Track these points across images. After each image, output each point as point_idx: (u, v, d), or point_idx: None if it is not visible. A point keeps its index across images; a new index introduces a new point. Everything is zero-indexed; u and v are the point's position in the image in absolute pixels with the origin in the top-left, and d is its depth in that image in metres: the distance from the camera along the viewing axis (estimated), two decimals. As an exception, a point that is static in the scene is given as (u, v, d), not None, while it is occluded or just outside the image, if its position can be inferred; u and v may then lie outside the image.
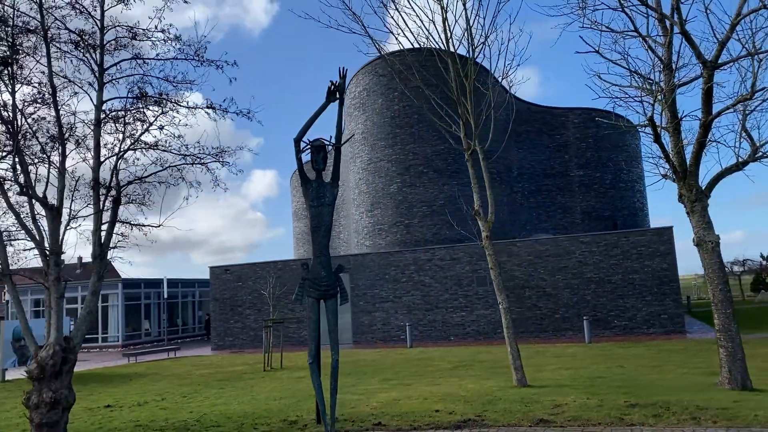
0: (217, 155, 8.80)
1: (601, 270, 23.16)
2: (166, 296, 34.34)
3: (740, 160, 10.53)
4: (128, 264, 37.68)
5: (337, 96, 7.33)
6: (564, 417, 7.84)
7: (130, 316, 34.26)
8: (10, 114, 7.94)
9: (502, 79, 13.35)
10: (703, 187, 10.15)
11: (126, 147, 8.54)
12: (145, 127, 8.41)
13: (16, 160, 7.87)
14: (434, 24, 11.96)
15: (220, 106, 8.88)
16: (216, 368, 19.99)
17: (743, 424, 6.86)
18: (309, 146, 7.26)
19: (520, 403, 8.97)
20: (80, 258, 63.65)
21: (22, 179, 7.90)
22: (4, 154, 8.51)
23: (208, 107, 8.84)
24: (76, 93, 8.48)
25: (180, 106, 8.77)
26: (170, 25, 8.66)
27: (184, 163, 8.76)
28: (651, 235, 22.98)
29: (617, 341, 20.70)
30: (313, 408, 10.08)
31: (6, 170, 8.02)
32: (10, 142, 8.04)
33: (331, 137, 7.32)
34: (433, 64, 13.14)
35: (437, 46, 12.18)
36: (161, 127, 8.43)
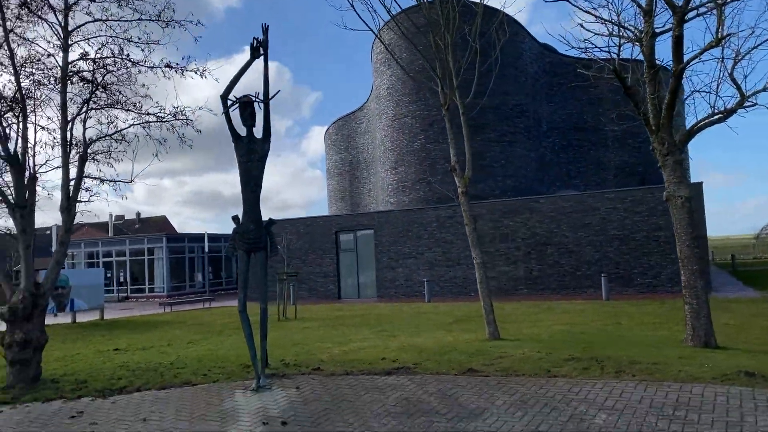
0: (175, 114, 9.13)
1: (626, 227, 22.53)
2: (207, 250, 35.87)
3: (726, 108, 10.01)
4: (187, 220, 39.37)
5: (261, 52, 7.45)
6: (495, 368, 7.97)
7: (175, 268, 36.03)
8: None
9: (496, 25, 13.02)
10: (678, 141, 9.74)
11: (88, 107, 8.98)
12: (102, 87, 8.80)
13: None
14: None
15: (178, 64, 9.16)
16: (237, 317, 20.98)
17: (661, 378, 6.80)
18: (236, 102, 7.47)
19: (466, 355, 9.14)
20: (138, 213, 67.03)
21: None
22: None
23: (166, 66, 9.14)
24: (41, 55, 8.93)
25: (139, 65, 9.11)
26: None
27: (145, 122, 9.14)
28: (679, 191, 22.05)
29: (637, 299, 20.29)
30: (286, 354, 10.59)
31: None
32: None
33: (257, 93, 7.49)
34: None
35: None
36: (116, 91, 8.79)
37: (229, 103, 7.44)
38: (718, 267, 36.61)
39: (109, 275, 35.41)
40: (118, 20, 9.30)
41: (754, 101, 9.91)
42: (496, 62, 13.05)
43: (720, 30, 8.67)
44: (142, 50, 9.35)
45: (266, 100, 7.44)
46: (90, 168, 9.27)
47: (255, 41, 7.38)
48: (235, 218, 7.67)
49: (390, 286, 26.66)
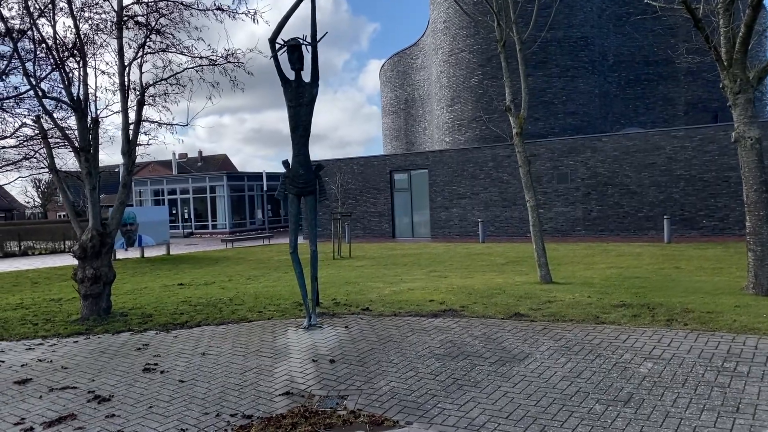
0: (226, 57, 9.18)
1: (693, 167, 21.51)
2: (266, 188, 36.74)
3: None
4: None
5: (309, -7, 7.31)
6: (543, 312, 7.96)
7: (236, 206, 37.19)
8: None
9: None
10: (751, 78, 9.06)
11: (144, 51, 9.15)
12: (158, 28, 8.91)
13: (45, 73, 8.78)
14: None
15: (228, 7, 9.13)
16: (294, 255, 21.64)
17: (714, 328, 6.62)
18: (285, 46, 7.42)
19: (515, 298, 9.15)
20: (200, 152, 68.91)
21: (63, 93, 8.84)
22: (49, 69, 9.48)
23: (217, 9, 9.14)
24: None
25: (191, 8, 9.14)
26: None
27: (198, 65, 9.25)
28: (754, 129, 20.71)
29: (702, 242, 19.60)
30: (338, 293, 10.93)
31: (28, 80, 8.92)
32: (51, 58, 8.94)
33: (305, 36, 7.41)
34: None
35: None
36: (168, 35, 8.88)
37: (277, 46, 7.41)
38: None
39: (174, 212, 36.98)
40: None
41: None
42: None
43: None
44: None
45: (314, 43, 7.36)
46: (148, 111, 9.53)
47: (302, -19, 7.25)
48: (285, 162, 7.78)
49: (444, 226, 26.70)
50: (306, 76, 7.64)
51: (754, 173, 9.03)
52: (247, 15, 9.16)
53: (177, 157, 67.11)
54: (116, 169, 68.97)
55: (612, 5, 28.50)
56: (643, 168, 22.35)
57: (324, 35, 7.35)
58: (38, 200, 52.59)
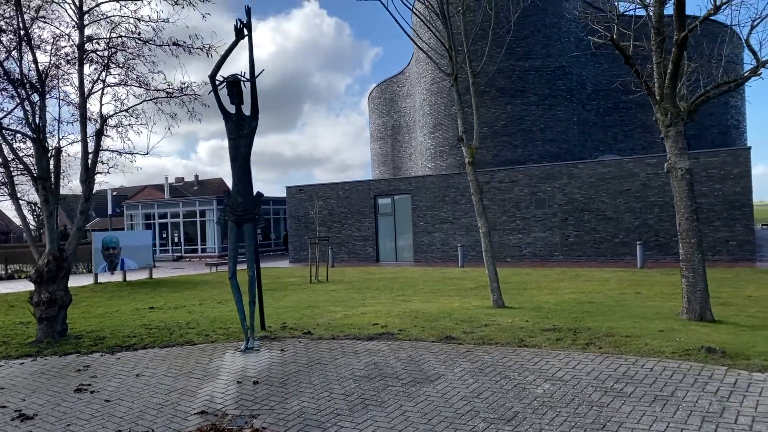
0: (181, 90, 9.64)
1: (667, 193, 21.85)
2: (255, 213, 37.16)
3: (741, 75, 9.68)
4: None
5: (245, 33, 7.77)
6: (473, 336, 8.26)
7: (226, 230, 37.51)
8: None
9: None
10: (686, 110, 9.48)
11: (104, 84, 9.61)
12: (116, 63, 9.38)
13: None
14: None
15: (185, 42, 9.61)
16: (273, 279, 21.92)
17: (624, 351, 6.91)
18: (223, 82, 7.87)
19: (456, 321, 9.45)
20: (197, 176, 69.61)
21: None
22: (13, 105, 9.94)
23: (173, 44, 9.62)
24: (58, 35, 9.58)
25: (149, 43, 9.62)
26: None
27: (154, 98, 9.71)
28: (725, 157, 21.16)
29: (674, 267, 19.85)
30: (292, 317, 11.22)
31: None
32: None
33: (243, 73, 7.86)
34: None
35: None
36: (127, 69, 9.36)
37: (217, 83, 7.85)
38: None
39: (164, 236, 37.37)
40: None
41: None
42: (509, 31, 12.83)
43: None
44: (153, 29, 9.86)
45: (252, 80, 7.80)
46: (107, 142, 9.96)
47: (239, 23, 7.72)
48: (225, 192, 8.16)
49: (426, 250, 27.02)
50: (247, 110, 8.06)
51: (686, 202, 9.40)
52: (201, 50, 9.65)
53: (174, 181, 67.67)
54: (114, 192, 69.49)
55: (589, 35, 29.24)
56: (618, 194, 22.74)
57: (261, 72, 7.80)
58: (33, 223, 53.28)
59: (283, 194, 37.46)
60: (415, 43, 12.60)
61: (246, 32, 7.79)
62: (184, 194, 57.25)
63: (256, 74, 7.84)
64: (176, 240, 37.61)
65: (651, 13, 9.73)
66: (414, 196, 27.20)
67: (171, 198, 44.98)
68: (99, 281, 21.84)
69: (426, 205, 26.94)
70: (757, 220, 50.36)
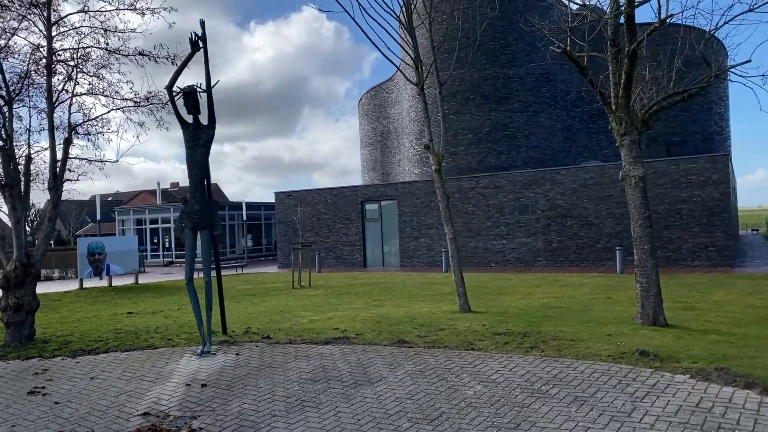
0: (148, 99, 9.87)
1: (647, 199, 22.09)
2: (245, 218, 37.37)
3: (694, 85, 9.92)
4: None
5: (200, 46, 8.01)
6: (426, 340, 8.45)
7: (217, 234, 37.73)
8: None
9: None
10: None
11: (73, 92, 9.84)
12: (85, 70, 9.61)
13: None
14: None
15: (150, 52, 9.84)
16: (257, 284, 22.12)
17: (564, 355, 7.11)
18: (179, 93, 8.09)
19: (415, 325, 9.64)
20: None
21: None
22: None
23: (139, 54, 9.85)
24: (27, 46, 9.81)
25: (116, 53, 9.85)
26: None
27: (121, 108, 9.93)
28: (704, 163, 21.39)
29: (651, 273, 20.07)
30: (259, 322, 11.40)
31: None
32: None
33: (200, 84, 8.08)
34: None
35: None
36: (98, 72, 9.59)
37: (174, 93, 8.08)
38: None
39: (156, 241, 37.56)
40: (97, 11, 10.06)
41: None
42: (475, 41, 13.08)
43: (660, 12, 8.57)
44: (119, 39, 10.10)
45: (208, 90, 8.03)
46: (75, 150, 10.19)
47: (194, 35, 7.95)
48: (182, 199, 8.38)
49: (413, 256, 27.22)
50: (205, 119, 8.28)
51: (639, 209, 9.61)
52: (167, 60, 9.88)
53: (169, 186, 67.89)
54: (110, 198, 69.48)
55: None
56: (600, 200, 22.96)
57: (216, 83, 8.03)
58: (28, 229, 53.73)
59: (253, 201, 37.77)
60: (383, 53, 12.82)
61: (201, 44, 8.02)
62: (177, 199, 57.44)
63: (212, 85, 8.07)
64: (167, 245, 37.80)
65: (606, 27, 9.95)
66: (400, 202, 27.42)
67: (162, 203, 45.20)
68: (84, 286, 22.03)
69: (412, 211, 27.16)
70: (757, 225, 50.60)
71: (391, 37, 12.26)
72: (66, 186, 10.15)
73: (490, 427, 4.97)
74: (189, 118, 8.25)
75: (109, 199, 66.78)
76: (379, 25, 12.27)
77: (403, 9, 12.14)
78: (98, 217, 36.08)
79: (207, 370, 7.44)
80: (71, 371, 7.75)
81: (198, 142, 8.15)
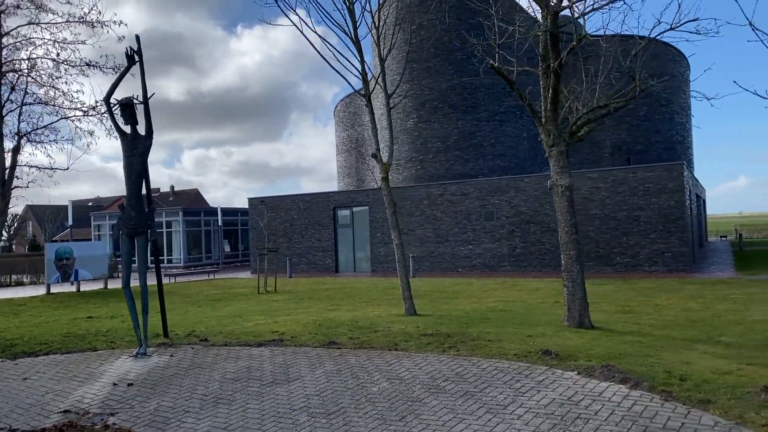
0: (93, 108, 10.19)
1: (606, 206, 22.69)
2: (221, 224, 37.55)
3: (620, 99, 10.44)
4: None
5: (136, 59, 8.36)
6: (356, 342, 8.81)
7: (192, 241, 37.90)
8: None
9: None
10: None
11: (23, 101, 10.13)
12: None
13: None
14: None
15: (97, 63, 10.16)
16: (225, 290, 22.34)
17: (476, 354, 7.50)
18: (117, 104, 8.43)
19: (354, 329, 10.00)
20: (172, 187, 69.73)
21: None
22: None
23: (86, 64, 10.17)
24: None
25: (65, 64, 10.16)
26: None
27: (68, 117, 10.23)
28: (660, 171, 22.02)
29: (610, 278, 20.59)
30: (207, 325, 11.70)
31: None
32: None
33: (137, 95, 8.42)
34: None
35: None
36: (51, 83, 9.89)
37: (112, 105, 8.41)
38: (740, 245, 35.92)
39: (130, 247, 37.53)
40: (48, 23, 10.37)
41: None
42: (423, 51, 13.51)
43: (576, 31, 9.06)
44: (71, 50, 10.42)
45: (145, 102, 8.37)
46: (26, 156, 10.48)
47: (129, 50, 8.30)
48: (120, 206, 8.70)
49: (384, 261, 27.59)
50: (142, 129, 8.63)
51: (566, 217, 10.06)
52: (114, 70, 10.21)
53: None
54: (89, 203, 69.16)
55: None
56: (562, 207, 23.47)
57: (152, 95, 8.39)
58: (5, 233, 53.44)
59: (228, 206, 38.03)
60: (331, 66, 13.22)
61: (137, 58, 8.37)
62: (159, 205, 57.39)
63: (148, 96, 8.41)
64: (142, 251, 37.76)
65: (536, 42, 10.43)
66: (372, 208, 27.81)
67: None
68: (52, 291, 22.14)
69: (383, 217, 27.52)
70: (729, 232, 51.53)
71: (338, 51, 12.65)
72: (18, 192, 10.43)
73: (378, 419, 5.34)
74: (127, 129, 8.58)
75: (90, 204, 66.45)
76: (329, 40, 12.68)
77: (348, 23, 12.55)
78: (70, 222, 36.07)
79: (137, 371, 7.74)
80: (6, 372, 8.02)
81: (135, 151, 8.48)
